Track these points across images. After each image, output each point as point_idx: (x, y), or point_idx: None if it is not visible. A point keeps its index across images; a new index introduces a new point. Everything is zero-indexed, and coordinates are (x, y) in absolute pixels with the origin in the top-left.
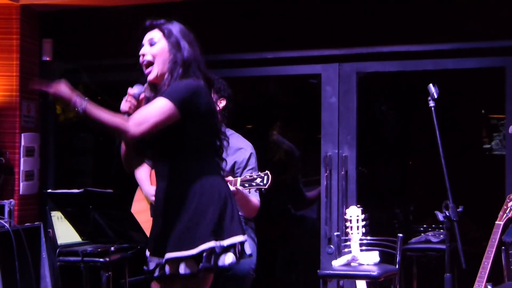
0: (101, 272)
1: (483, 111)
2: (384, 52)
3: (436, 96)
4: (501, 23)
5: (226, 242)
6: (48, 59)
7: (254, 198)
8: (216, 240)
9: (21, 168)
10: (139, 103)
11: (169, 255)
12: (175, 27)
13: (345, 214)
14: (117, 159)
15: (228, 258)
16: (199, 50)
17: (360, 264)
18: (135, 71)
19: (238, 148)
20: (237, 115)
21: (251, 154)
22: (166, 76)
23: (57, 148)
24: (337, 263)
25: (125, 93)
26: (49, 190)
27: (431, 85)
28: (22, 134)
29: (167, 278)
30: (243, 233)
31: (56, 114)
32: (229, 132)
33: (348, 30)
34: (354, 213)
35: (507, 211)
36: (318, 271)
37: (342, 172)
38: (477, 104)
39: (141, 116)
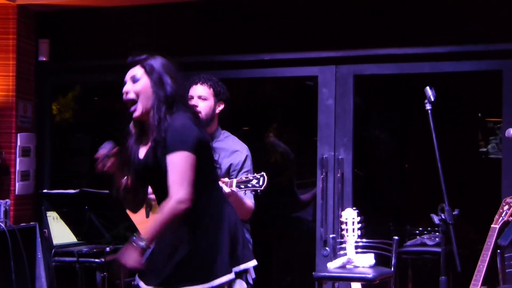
0: (97, 272)
1: (479, 115)
2: (381, 54)
3: (433, 99)
4: (498, 26)
5: (240, 268)
6: (44, 59)
7: (249, 200)
8: (232, 270)
9: (17, 168)
10: (115, 157)
11: None
12: (157, 62)
13: (341, 216)
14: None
15: (241, 285)
16: (183, 83)
17: (356, 267)
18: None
19: (234, 151)
20: (234, 117)
21: (246, 156)
22: (151, 114)
23: (53, 148)
24: (333, 265)
25: (121, 94)
26: (45, 190)
27: (428, 88)
28: (18, 134)
29: None
30: (253, 257)
31: (52, 115)
32: (225, 134)
33: (345, 32)
34: (349, 215)
35: (503, 215)
36: (313, 273)
37: (338, 175)
38: (474, 107)
39: (175, 185)
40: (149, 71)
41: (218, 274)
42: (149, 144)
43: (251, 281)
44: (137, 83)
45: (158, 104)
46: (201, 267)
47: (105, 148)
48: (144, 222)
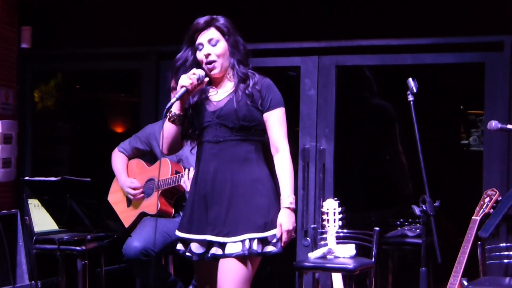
0: (77, 260)
1: (461, 107)
2: (364, 45)
3: (415, 91)
4: (481, 18)
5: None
6: (26, 46)
7: None
8: None
9: None
10: (201, 85)
11: (254, 235)
12: (227, 23)
13: (322, 206)
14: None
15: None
16: None
17: (336, 257)
18: (114, 60)
19: None
20: None
21: None
22: (232, 74)
23: (34, 136)
24: (313, 255)
25: (103, 83)
26: (26, 178)
27: (410, 79)
28: (0, 121)
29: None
30: None
31: (34, 102)
32: None
33: (328, 23)
34: (331, 206)
35: (483, 207)
36: (294, 263)
37: (320, 165)
38: (456, 100)
39: (283, 139)
40: (225, 34)
41: (273, 225)
42: (229, 95)
43: None
44: (217, 46)
45: (238, 64)
46: (264, 215)
47: (201, 71)
48: (124, 212)
